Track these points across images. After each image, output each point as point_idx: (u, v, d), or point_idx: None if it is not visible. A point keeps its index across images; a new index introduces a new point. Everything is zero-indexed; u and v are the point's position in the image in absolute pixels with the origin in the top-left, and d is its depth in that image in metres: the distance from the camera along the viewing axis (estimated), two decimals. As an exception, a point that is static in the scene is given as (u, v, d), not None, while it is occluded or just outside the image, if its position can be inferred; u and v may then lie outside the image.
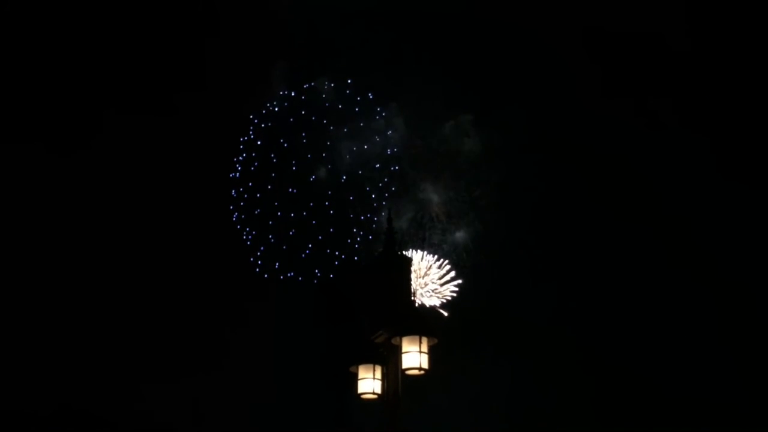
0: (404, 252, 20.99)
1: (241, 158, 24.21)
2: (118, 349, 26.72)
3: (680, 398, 25.99)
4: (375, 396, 17.80)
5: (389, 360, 17.85)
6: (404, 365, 17.48)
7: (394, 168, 23.27)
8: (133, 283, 27.23)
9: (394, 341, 17.71)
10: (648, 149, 29.57)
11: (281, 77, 25.19)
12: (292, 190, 23.73)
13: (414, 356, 17.45)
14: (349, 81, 23.75)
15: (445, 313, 21.17)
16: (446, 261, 22.08)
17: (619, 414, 25.83)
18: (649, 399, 26.33)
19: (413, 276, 21.27)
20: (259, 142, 24.20)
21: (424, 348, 17.51)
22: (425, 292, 21.44)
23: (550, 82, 29.30)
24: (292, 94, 24.17)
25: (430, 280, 21.63)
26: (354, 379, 18.01)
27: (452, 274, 22.10)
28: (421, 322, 17.94)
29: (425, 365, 17.45)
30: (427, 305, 21.31)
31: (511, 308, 26.01)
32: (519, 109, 27.91)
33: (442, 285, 21.67)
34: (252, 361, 26.15)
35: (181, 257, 27.19)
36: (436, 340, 17.68)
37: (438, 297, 21.67)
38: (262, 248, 23.58)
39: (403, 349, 17.52)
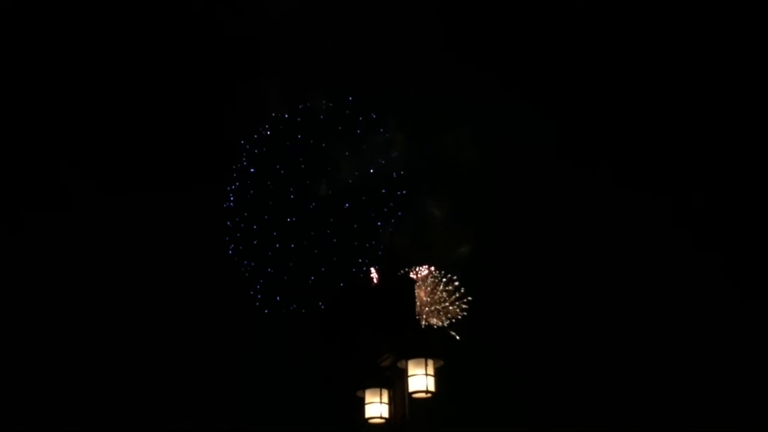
0: (408, 271, 21.10)
1: (234, 187, 24.06)
2: (112, 377, 26.86)
3: (680, 398, 26.16)
4: (383, 420, 18.03)
5: (396, 383, 18.00)
6: (411, 388, 17.92)
7: (401, 192, 23.13)
8: (125, 308, 27.37)
9: (400, 364, 18.04)
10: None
11: (274, 96, 25.09)
12: (291, 219, 23.59)
13: (420, 379, 17.98)
14: (350, 98, 23.55)
15: (457, 336, 21.13)
16: (453, 277, 22.01)
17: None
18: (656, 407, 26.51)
19: (420, 294, 21.37)
20: (252, 170, 24.04)
21: (430, 370, 18.02)
22: (432, 311, 21.47)
23: (549, 87, 29.49)
24: (286, 116, 24.06)
25: (437, 299, 21.69)
26: (361, 403, 18.15)
27: (461, 291, 21.99)
28: (427, 344, 18.25)
29: (432, 388, 18.00)
30: (435, 325, 21.32)
31: (518, 321, 26.11)
32: (519, 116, 28.05)
33: (449, 303, 21.71)
34: (255, 385, 26.26)
35: (179, 285, 27.32)
36: (442, 362, 18.04)
37: (446, 316, 21.68)
38: (261, 281, 23.42)
39: (409, 372, 18.03)
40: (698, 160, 30.27)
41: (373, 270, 20.97)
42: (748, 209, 29.67)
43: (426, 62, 28.76)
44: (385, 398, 18.13)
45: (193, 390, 26.44)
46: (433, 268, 21.75)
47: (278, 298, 22.84)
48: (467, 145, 26.11)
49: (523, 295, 26.73)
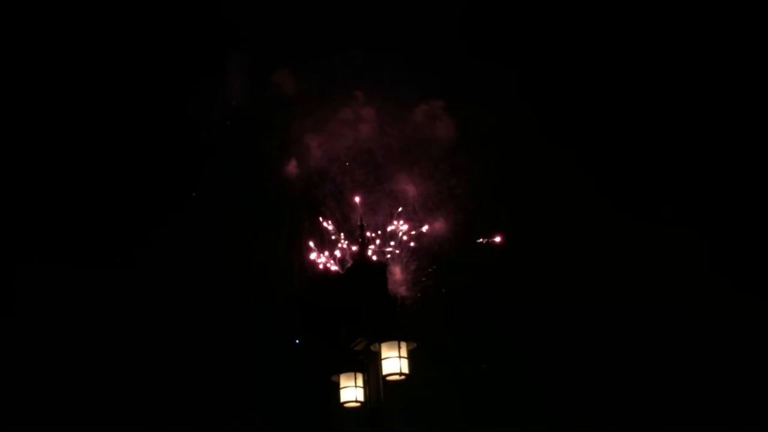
0: (381, 251, 21.32)
1: (196, 176, 23.91)
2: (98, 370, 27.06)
3: (680, 398, 26.14)
4: (358, 404, 18.37)
5: (369, 367, 18.27)
6: (384, 371, 18.49)
7: (376, 176, 23.05)
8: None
9: (373, 348, 18.37)
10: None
11: (235, 75, 24.91)
12: (257, 208, 23.49)
13: (394, 362, 18.40)
14: (316, 78, 23.36)
15: (432, 315, 21.08)
16: (427, 255, 22.10)
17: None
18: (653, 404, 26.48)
19: (396, 271, 21.51)
20: (215, 158, 23.89)
21: (404, 353, 18.60)
22: (407, 290, 21.57)
23: (528, 63, 29.71)
24: (246, 97, 23.99)
25: (410, 277, 21.83)
26: (336, 388, 18.39)
27: (437, 270, 22.00)
28: (399, 327, 18.60)
29: (405, 370, 18.33)
30: (409, 304, 21.41)
31: (496, 301, 26.09)
32: (494, 90, 28.15)
33: (423, 281, 21.85)
34: (233, 373, 26.34)
35: (181, 284, 27.54)
36: (415, 345, 18.55)
37: (420, 294, 21.77)
38: (230, 274, 23.24)
39: (383, 356, 18.60)
40: (698, 160, 30.55)
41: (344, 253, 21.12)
42: (748, 209, 29.88)
43: (422, 59, 29.10)
44: (360, 382, 18.58)
45: (190, 389, 26.57)
46: (408, 238, 21.77)
47: (251, 295, 22.80)
48: (438, 119, 26.15)
49: (518, 286, 26.81)
